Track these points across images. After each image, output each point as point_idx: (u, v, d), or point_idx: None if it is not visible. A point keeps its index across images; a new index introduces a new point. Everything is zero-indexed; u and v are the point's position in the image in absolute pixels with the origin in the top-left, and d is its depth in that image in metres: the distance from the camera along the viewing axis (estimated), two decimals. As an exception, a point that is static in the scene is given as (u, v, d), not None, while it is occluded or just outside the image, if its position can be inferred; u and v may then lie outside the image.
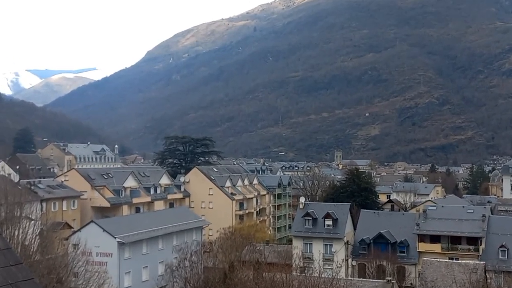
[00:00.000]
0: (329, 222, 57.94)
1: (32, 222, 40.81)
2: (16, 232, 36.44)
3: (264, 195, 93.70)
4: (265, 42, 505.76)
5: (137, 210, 72.94)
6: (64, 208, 65.27)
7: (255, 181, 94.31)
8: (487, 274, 41.41)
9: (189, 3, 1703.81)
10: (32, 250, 36.85)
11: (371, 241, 55.83)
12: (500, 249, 50.30)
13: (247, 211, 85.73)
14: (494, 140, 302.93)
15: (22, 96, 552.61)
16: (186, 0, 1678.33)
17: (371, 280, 44.99)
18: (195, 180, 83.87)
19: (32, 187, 62.11)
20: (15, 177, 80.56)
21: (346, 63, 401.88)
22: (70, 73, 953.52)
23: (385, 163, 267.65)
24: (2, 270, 6.08)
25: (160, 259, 51.18)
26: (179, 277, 44.26)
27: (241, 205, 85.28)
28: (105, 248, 46.71)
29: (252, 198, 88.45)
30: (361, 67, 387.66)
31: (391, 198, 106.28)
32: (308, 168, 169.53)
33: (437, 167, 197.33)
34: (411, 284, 53.29)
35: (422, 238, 55.45)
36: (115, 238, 47.02)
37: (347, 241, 57.36)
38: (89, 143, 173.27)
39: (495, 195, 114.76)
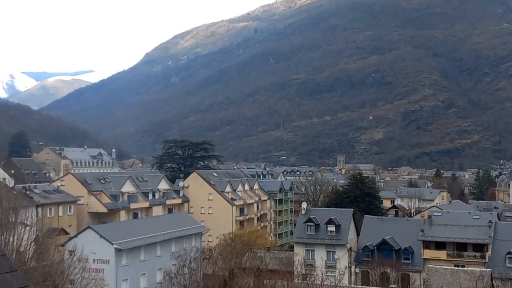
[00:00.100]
0: (331, 228, 57.87)
1: (28, 228, 40.82)
2: (11, 238, 36.46)
3: (265, 200, 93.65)
4: (266, 44, 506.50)
5: (135, 215, 72.91)
6: (60, 213, 65.27)
7: (256, 186, 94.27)
8: (493, 282, 41.36)
9: (188, 4, 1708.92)
10: (27, 256, 36.85)
11: (375, 247, 55.75)
12: (507, 256, 50.21)
13: (247, 217, 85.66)
14: (500, 144, 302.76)
15: (17, 99, 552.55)
16: (185, 1, 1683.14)
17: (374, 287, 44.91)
18: (195, 185, 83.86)
19: (28, 192, 62.15)
20: (10, 182, 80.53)
21: (349, 65, 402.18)
22: (66, 75, 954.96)
23: (389, 168, 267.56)
24: (-3, 277, 6.09)
25: (158, 266, 51.15)
26: (178, 285, 44.22)
27: (241, 210, 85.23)
28: (102, 254, 46.69)
29: (252, 203, 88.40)
30: (364, 70, 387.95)
31: (395, 203, 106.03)
32: (310, 172, 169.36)
33: (442, 172, 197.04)
34: (416, 292, 53.17)
35: (427, 244, 55.36)
36: (112, 244, 47.01)
37: (350, 248, 57.28)
38: (86, 147, 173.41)
39: (502, 201, 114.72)
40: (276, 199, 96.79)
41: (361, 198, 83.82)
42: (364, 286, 45.97)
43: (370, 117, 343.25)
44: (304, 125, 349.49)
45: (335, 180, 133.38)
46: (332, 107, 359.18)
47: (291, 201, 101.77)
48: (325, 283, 37.84)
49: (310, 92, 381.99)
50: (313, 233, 58.20)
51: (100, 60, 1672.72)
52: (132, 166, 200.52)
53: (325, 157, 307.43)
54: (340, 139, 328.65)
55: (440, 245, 55.29)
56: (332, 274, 52.35)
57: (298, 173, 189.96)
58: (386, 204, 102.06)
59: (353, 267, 56.58)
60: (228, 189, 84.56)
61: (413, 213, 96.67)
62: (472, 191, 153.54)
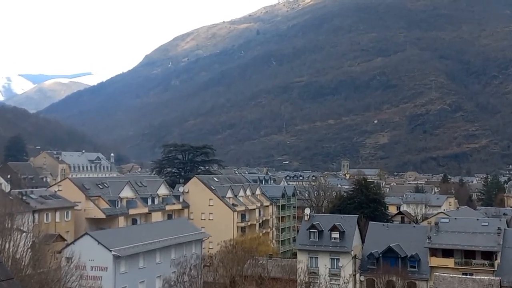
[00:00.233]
0: (335, 235, 57.77)
1: (24, 234, 40.87)
2: (7, 245, 36.48)
3: (267, 206, 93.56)
4: (268, 46, 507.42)
5: (134, 221, 72.92)
6: (57, 219, 65.31)
7: (258, 192, 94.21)
8: (503, 291, 41.14)
9: (189, 5, 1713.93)
10: (23, 263, 36.86)
11: (380, 255, 55.61)
12: (517, 264, 50.03)
13: (249, 223, 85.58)
14: (509, 149, 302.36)
15: (14, 102, 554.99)
16: (186, 2, 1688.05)
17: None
18: (195, 190, 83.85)
19: (24, 197, 62.24)
20: (6, 187, 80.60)
21: (354, 68, 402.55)
22: (64, 78, 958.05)
23: (395, 173, 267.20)
24: (-8, 285, 6.09)
25: (157, 273, 51.10)
26: (178, 293, 44.15)
27: (243, 216, 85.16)
28: (100, 261, 46.66)
29: (254, 209, 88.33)
30: (369, 72, 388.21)
31: (401, 209, 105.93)
32: (313, 178, 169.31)
33: (449, 177, 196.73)
34: (423, 301, 53.01)
35: (434, 252, 55.21)
36: (111, 251, 46.98)
37: (355, 255, 57.15)
38: (83, 151, 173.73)
39: (511, 207, 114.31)
40: (279, 205, 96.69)
41: (366, 204, 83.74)
42: (369, 295, 45.81)
43: (375, 121, 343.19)
44: (307, 129, 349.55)
45: (339, 186, 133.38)
46: (336, 110, 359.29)
47: (294, 207, 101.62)
48: (329, 291, 37.74)
49: (314, 95, 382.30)
50: (317, 240, 58.10)
51: (98, 62, 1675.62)
52: (131, 171, 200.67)
53: (329, 161, 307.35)
54: (344, 144, 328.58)
55: (447, 253, 55.13)
56: (336, 283, 52.30)
57: (301, 178, 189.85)
58: (392, 210, 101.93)
59: (357, 275, 56.42)
60: (229, 194, 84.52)
61: (420, 219, 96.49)
62: (480, 197, 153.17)
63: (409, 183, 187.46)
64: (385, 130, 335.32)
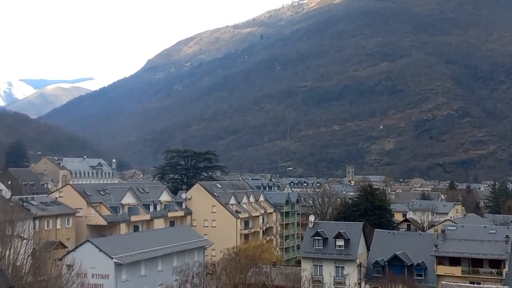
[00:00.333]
0: (340, 242, 57.68)
1: (24, 241, 40.92)
2: (7, 252, 36.54)
3: (271, 213, 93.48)
4: (272, 50, 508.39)
5: (136, 228, 72.92)
6: (58, 226, 65.39)
7: (262, 198, 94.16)
8: (511, 300, 40.98)
9: (192, 10, 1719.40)
10: (24, 271, 36.91)
11: (386, 263, 55.49)
12: (525, 272, 49.83)
13: (252, 230, 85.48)
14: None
15: (15, 107, 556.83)
16: (189, 7, 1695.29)
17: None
18: (198, 196, 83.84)
19: (25, 204, 62.35)
20: (7, 193, 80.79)
21: (359, 73, 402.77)
22: (66, 83, 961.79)
23: (401, 180, 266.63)
24: (-7, 294, 6.13)
25: (159, 281, 51.06)
26: (180, 301, 44.10)
27: (246, 223, 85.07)
28: (101, 269, 46.69)
29: (258, 216, 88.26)
30: (374, 77, 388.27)
31: (407, 217, 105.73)
32: (318, 184, 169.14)
33: (456, 184, 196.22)
34: (429, 310, 52.79)
35: (440, 260, 55.05)
36: (112, 258, 47.00)
37: (360, 263, 57.02)
38: (85, 157, 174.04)
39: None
40: (283, 212, 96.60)
41: (372, 211, 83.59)
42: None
43: (381, 127, 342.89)
44: (311, 134, 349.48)
45: (344, 192, 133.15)
46: (340, 116, 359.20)
47: (298, 214, 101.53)
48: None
49: (318, 100, 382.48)
50: (321, 247, 58.01)
51: (100, 67, 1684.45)
52: (133, 177, 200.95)
53: (334, 168, 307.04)
54: (349, 149, 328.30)
55: (454, 261, 54.97)
56: (341, 291, 52.10)
57: (305, 184, 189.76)
58: (398, 217, 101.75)
59: (363, 284, 56.28)
60: (232, 201, 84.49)
61: (426, 227, 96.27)
62: (488, 204, 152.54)
63: (415, 190, 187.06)
64: (391, 136, 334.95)
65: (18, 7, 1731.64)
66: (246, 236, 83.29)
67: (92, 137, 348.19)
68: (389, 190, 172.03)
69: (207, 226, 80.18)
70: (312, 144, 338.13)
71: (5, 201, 57.70)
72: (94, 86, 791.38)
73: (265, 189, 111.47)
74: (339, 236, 57.91)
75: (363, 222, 65.39)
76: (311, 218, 64.45)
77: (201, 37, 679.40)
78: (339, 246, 57.62)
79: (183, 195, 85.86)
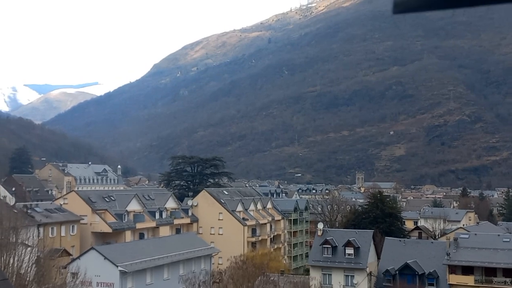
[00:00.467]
0: (350, 250, 57.52)
1: (29, 249, 41.10)
2: (11, 260, 36.72)
3: (279, 220, 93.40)
4: (280, 55, 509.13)
5: (141, 236, 73.08)
6: (63, 233, 65.66)
7: (269, 205, 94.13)
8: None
9: (199, 13, 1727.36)
10: (28, 279, 37.06)
11: (397, 272, 55.25)
12: (540, 282, 49.45)
13: (260, 238, 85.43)
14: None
15: (19, 112, 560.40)
16: (195, 10, 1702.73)
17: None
18: (204, 203, 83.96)
19: (29, 211, 62.66)
20: (11, 200, 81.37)
21: (369, 77, 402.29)
22: (70, 88, 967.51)
23: (412, 186, 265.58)
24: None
25: (165, 290, 51.09)
26: (186, 310, 44.10)
27: (253, 231, 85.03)
28: (106, 277, 46.80)
29: (265, 223, 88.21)
30: (384, 82, 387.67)
31: (419, 224, 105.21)
32: (327, 191, 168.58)
33: (469, 191, 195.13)
34: (441, 320, 52.48)
35: (453, 269, 54.76)
36: (117, 266, 47.11)
37: (370, 272, 56.81)
38: (90, 163, 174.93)
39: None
40: (291, 219, 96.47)
41: (382, 219, 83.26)
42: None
43: (391, 132, 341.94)
44: (320, 140, 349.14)
45: (353, 199, 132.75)
46: (350, 121, 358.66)
47: (306, 221, 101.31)
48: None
49: (327, 106, 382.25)
50: (330, 256, 57.87)
51: (105, 72, 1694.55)
52: (138, 184, 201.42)
53: (343, 174, 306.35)
54: (359, 156, 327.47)
55: (467, 270, 54.66)
56: (350, 300, 51.90)
57: (314, 191, 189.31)
58: (409, 225, 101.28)
59: (373, 293, 56.04)
60: (239, 208, 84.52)
61: (438, 235, 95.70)
62: (501, 211, 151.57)
63: (426, 197, 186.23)
64: (402, 142, 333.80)
65: (23, 12, 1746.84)
66: (253, 244, 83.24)
67: (97, 143, 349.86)
68: (400, 197, 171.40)
69: (213, 234, 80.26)
70: (320, 150, 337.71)
71: (9, 208, 57.97)
72: (99, 91, 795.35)
73: (273, 196, 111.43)
74: (348, 244, 57.76)
75: (373, 230, 65.19)
76: (320, 225, 64.33)
77: (207, 41, 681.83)
78: (349, 254, 57.46)
79: (189, 202, 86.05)
